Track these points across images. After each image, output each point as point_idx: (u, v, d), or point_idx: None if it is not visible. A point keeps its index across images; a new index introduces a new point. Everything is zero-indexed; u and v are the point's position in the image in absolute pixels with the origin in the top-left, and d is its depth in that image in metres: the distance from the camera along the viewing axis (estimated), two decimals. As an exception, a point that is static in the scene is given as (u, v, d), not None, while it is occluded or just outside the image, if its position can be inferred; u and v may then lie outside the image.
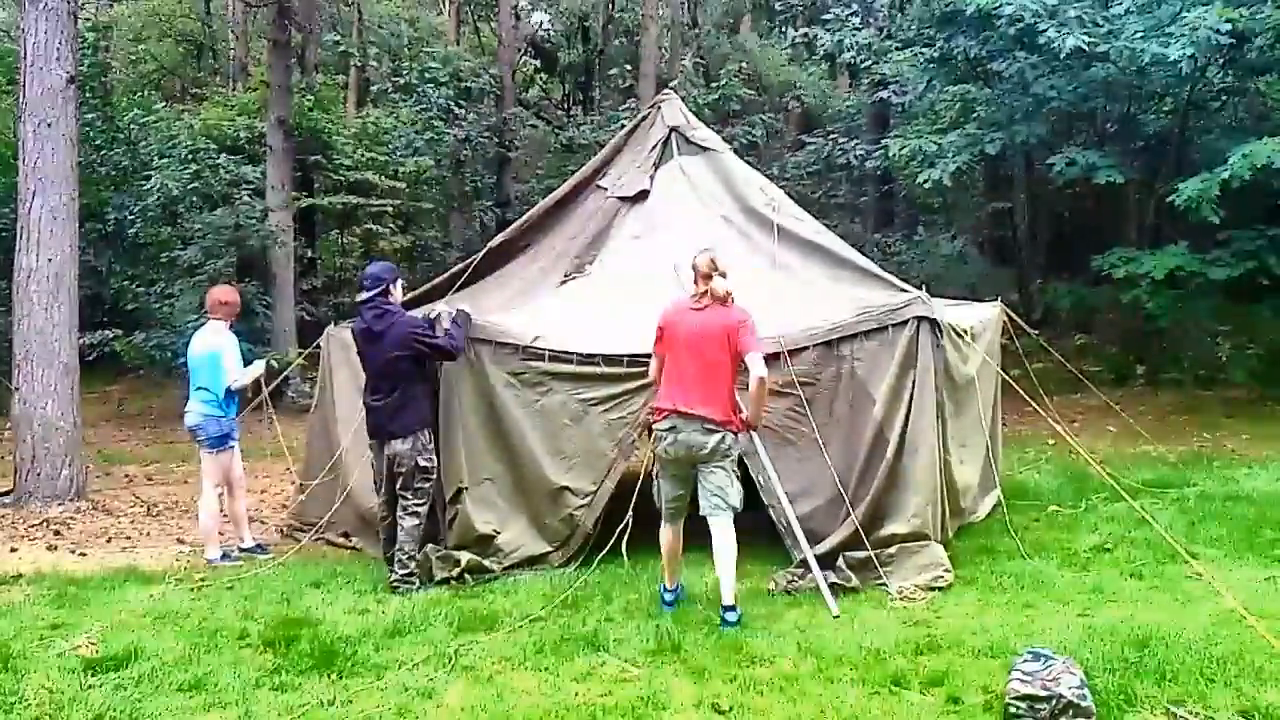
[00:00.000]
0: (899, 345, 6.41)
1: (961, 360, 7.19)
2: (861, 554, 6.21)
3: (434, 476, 6.63)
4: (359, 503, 7.55)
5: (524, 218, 8.56)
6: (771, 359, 6.10)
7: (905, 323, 6.42)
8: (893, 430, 6.36)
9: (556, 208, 8.33)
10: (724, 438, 5.61)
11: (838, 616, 5.58)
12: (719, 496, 5.63)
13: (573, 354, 6.79)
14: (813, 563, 6.06)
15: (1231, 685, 4.41)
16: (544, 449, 6.81)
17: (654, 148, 8.28)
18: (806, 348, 6.54)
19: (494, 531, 6.76)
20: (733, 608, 5.57)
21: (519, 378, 6.84)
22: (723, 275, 5.71)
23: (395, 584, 6.44)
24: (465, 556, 6.64)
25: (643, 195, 8.05)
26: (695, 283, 5.79)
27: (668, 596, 5.92)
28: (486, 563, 6.66)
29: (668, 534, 5.88)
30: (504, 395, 6.84)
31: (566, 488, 6.77)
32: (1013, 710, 4.16)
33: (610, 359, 6.75)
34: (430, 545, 6.74)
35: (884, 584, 6.10)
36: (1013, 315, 9.11)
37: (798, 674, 4.74)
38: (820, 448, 6.45)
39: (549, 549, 6.81)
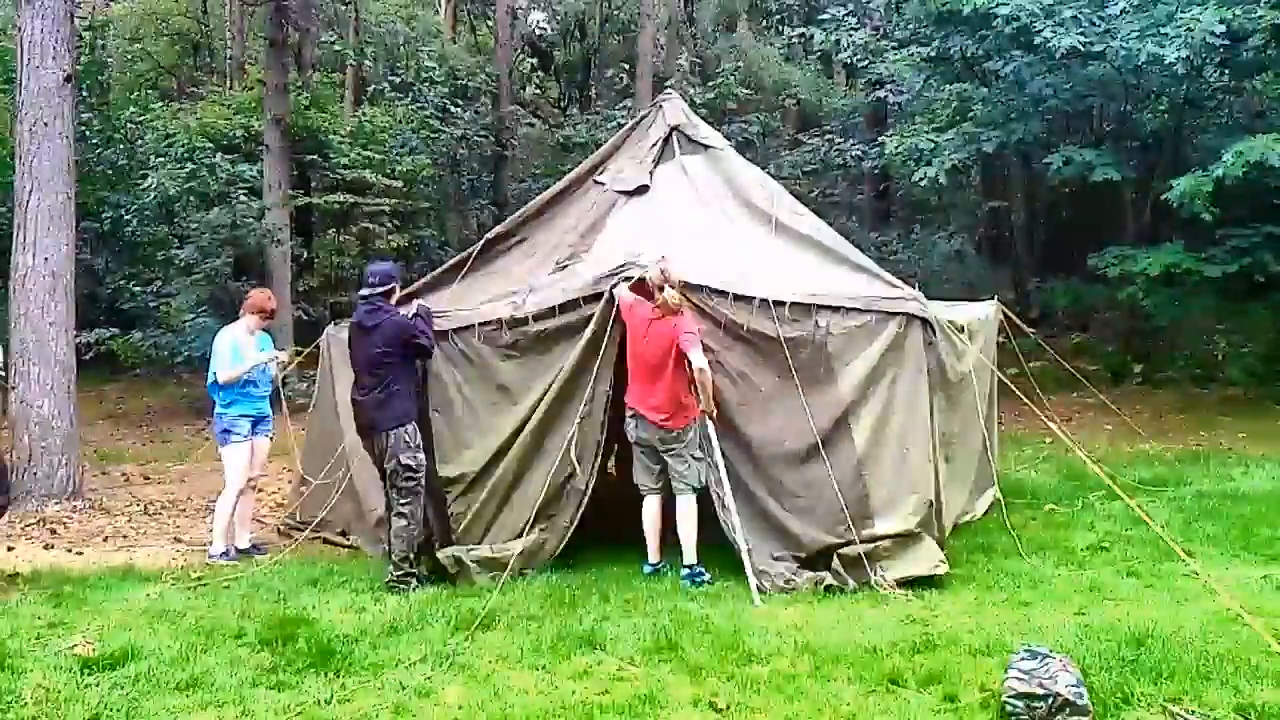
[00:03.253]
0: (882, 336, 6.40)
1: (956, 358, 7.18)
2: (854, 550, 6.20)
3: (420, 475, 6.59)
4: (357, 501, 7.54)
5: (520, 211, 8.53)
6: (742, 301, 6.50)
7: (895, 316, 6.41)
8: (858, 420, 6.33)
9: (553, 201, 8.30)
10: (671, 431, 6.45)
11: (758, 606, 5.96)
12: (677, 478, 6.52)
13: (554, 306, 6.74)
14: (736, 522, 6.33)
15: (1228, 683, 4.42)
16: (546, 414, 6.70)
17: (654, 145, 8.24)
18: (783, 304, 6.45)
19: (496, 525, 6.73)
20: (693, 568, 6.43)
21: (515, 347, 6.79)
22: (673, 287, 6.41)
23: (392, 583, 6.44)
24: (472, 554, 6.61)
25: (642, 190, 8.02)
26: (652, 294, 6.47)
27: (646, 569, 6.64)
28: (494, 555, 6.61)
29: (646, 509, 6.67)
30: (505, 369, 6.78)
31: (570, 456, 6.68)
32: (1010, 708, 4.16)
33: (590, 298, 6.70)
34: (451, 546, 6.70)
35: (877, 580, 6.11)
36: (1010, 314, 9.11)
37: (795, 672, 4.74)
38: (766, 403, 6.46)
39: (553, 521, 6.71)
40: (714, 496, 6.43)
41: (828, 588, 6.13)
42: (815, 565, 6.33)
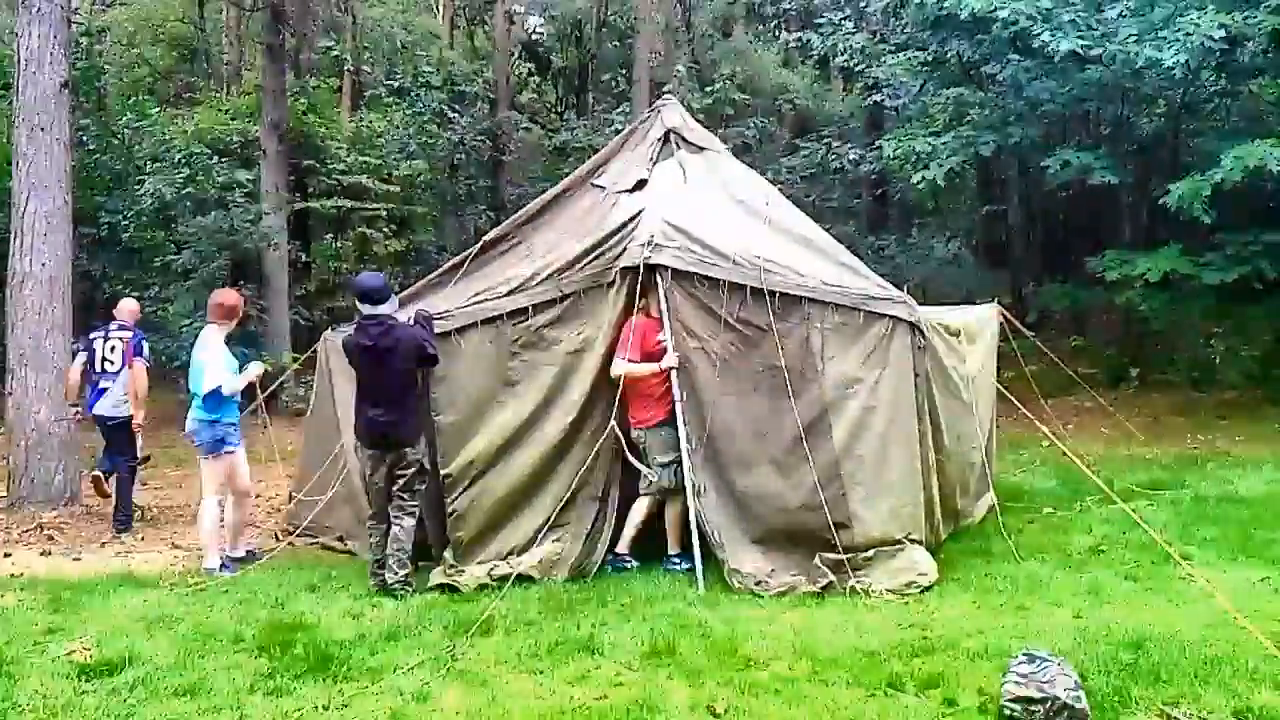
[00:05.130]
0: (868, 336, 6.39)
1: (959, 360, 7.17)
2: (834, 555, 6.18)
3: (428, 477, 6.65)
4: (355, 506, 7.51)
5: (517, 214, 8.51)
6: (734, 289, 6.52)
7: (882, 317, 6.41)
8: (839, 418, 6.31)
9: (551, 205, 8.28)
10: (639, 431, 6.73)
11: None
12: (643, 478, 6.79)
13: (556, 294, 6.75)
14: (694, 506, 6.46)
15: (1226, 686, 4.42)
16: (576, 418, 6.70)
17: (652, 146, 8.23)
18: (773, 294, 6.44)
19: (507, 526, 6.72)
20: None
21: (518, 343, 6.78)
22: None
23: (395, 585, 6.43)
24: (479, 569, 6.57)
25: (641, 184, 7.99)
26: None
27: (615, 561, 6.82)
28: (510, 569, 6.56)
29: (665, 510, 6.88)
30: (511, 365, 6.75)
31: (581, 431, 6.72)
32: (1008, 712, 4.16)
33: (590, 277, 6.72)
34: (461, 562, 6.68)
35: (855, 584, 6.09)
36: (1009, 317, 9.12)
37: (793, 676, 4.74)
38: (746, 389, 6.48)
39: (565, 499, 6.68)
40: (687, 492, 6.45)
41: (823, 589, 6.11)
42: (791, 565, 6.31)
